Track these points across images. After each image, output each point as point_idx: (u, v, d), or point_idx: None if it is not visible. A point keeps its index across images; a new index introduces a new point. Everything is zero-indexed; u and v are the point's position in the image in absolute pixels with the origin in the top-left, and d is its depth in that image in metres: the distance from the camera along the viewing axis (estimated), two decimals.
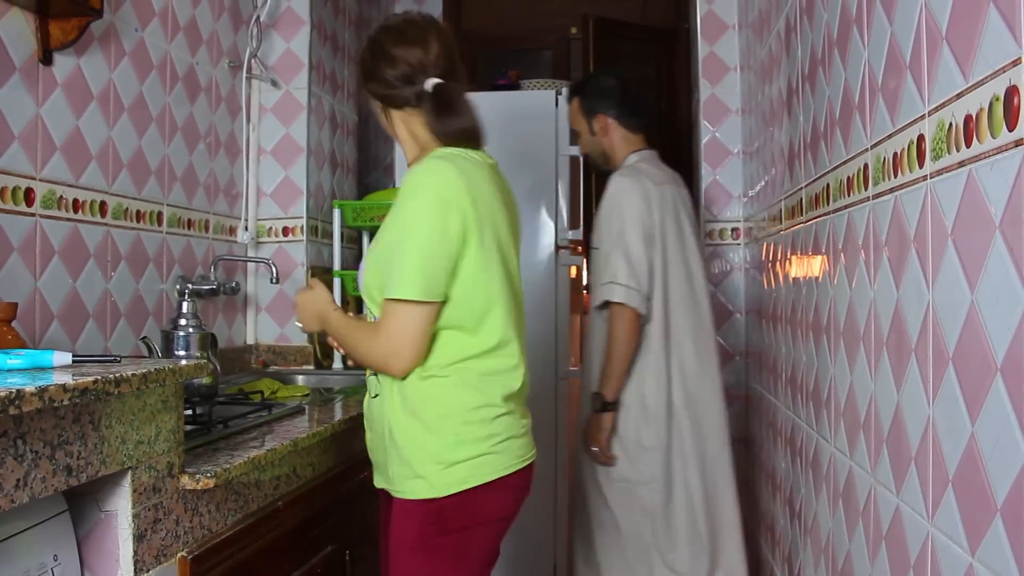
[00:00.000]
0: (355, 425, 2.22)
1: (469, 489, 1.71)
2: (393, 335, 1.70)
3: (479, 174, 1.77)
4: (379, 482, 1.87)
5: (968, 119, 1.15)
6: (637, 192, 2.63)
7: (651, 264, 2.59)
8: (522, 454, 1.80)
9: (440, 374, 1.74)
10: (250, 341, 3.22)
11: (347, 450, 2.21)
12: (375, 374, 1.83)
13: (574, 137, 2.91)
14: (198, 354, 2.25)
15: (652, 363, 2.62)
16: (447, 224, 1.68)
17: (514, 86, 4.10)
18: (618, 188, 2.67)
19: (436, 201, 1.68)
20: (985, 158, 1.10)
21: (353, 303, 3.34)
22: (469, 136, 1.82)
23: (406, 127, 1.88)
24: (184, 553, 1.53)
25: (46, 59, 2.05)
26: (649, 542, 2.61)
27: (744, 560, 2.67)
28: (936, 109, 1.27)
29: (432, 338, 1.73)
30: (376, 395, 1.83)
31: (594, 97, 2.89)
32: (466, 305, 1.73)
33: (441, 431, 1.72)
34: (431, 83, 1.80)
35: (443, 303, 1.71)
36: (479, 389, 1.75)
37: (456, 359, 1.74)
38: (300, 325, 1.96)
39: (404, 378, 1.74)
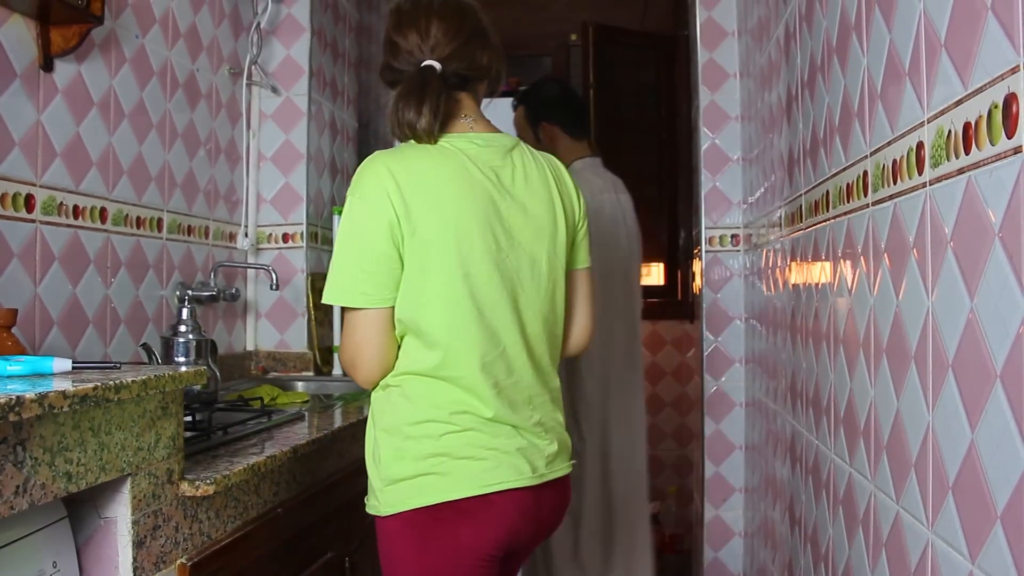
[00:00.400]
0: (355, 431, 2.22)
1: (413, 511, 1.58)
2: (345, 343, 1.66)
3: (432, 161, 1.63)
4: None
5: (967, 126, 1.15)
6: None
7: None
8: (488, 480, 1.58)
9: (392, 383, 1.65)
10: (250, 347, 3.22)
11: (347, 457, 2.21)
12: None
13: None
14: (198, 361, 2.25)
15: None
16: (368, 221, 1.58)
17: (514, 92, 4.11)
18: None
19: (358, 199, 1.61)
20: (984, 165, 1.10)
21: None
22: (413, 128, 1.64)
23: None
24: (183, 560, 1.53)
25: (47, 66, 2.06)
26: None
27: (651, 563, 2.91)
28: (935, 116, 1.27)
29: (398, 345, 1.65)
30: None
31: (539, 106, 2.96)
32: (403, 308, 1.61)
33: (387, 444, 1.62)
34: (422, 65, 1.68)
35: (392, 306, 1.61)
36: (423, 402, 1.61)
37: (408, 368, 1.63)
38: None
39: (372, 389, 1.68)
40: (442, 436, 1.59)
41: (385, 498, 1.61)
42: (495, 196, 1.65)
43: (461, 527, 1.58)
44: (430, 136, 1.64)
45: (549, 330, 1.73)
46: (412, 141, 1.68)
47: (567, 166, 2.83)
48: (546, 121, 2.99)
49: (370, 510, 1.66)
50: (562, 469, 1.72)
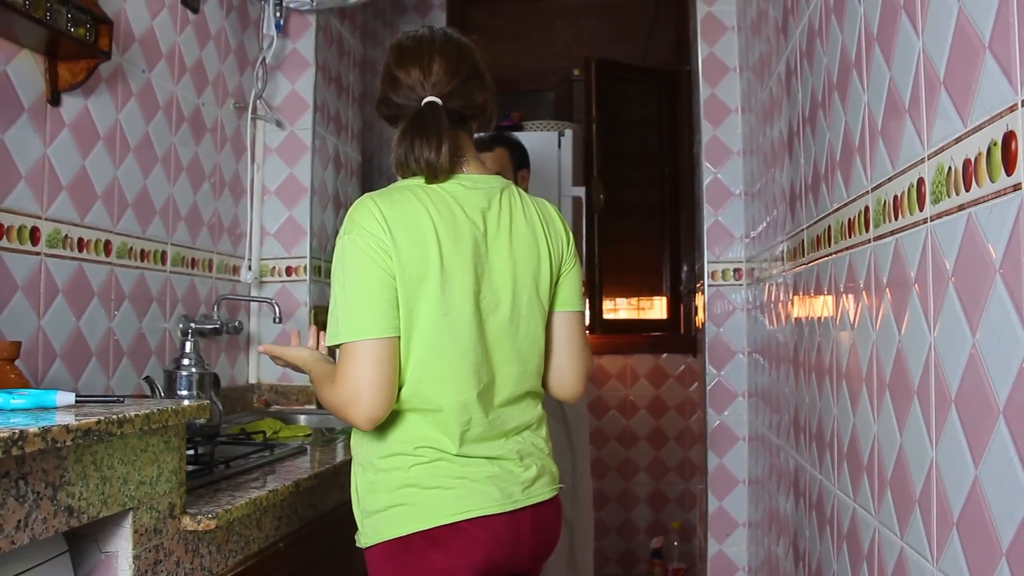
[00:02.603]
0: None
1: (388, 542, 1.59)
2: (344, 380, 1.58)
3: (420, 203, 1.62)
4: None
5: (967, 163, 1.16)
6: None
7: None
8: (457, 509, 1.59)
9: None
10: (252, 380, 3.21)
11: (349, 491, 2.20)
12: None
13: None
14: (200, 394, 2.25)
15: None
16: (364, 257, 1.57)
17: (517, 127, 4.14)
18: None
19: (351, 238, 1.59)
20: (984, 202, 1.11)
21: None
22: (427, 163, 1.64)
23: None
24: None
25: (54, 100, 2.08)
26: None
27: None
28: (935, 153, 1.28)
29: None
30: None
31: (521, 153, 3.13)
32: None
33: (363, 478, 1.65)
34: (424, 102, 1.68)
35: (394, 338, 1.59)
36: (391, 435, 1.63)
37: None
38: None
39: (370, 428, 1.60)
40: (411, 468, 1.60)
41: (364, 530, 1.64)
42: (478, 238, 1.66)
43: (432, 556, 1.58)
44: (444, 173, 1.66)
45: (529, 369, 1.74)
46: (402, 181, 1.69)
47: None
48: (525, 168, 3.15)
49: (357, 542, 1.68)
50: (543, 494, 1.71)
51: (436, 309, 1.59)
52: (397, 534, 1.57)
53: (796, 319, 2.35)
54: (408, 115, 1.68)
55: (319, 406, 3.23)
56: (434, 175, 1.66)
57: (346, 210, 3.60)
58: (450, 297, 1.60)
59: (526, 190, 3.14)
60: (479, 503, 1.60)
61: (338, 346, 1.58)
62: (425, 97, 1.69)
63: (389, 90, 1.74)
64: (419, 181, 1.67)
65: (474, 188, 1.70)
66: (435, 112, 1.66)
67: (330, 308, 1.61)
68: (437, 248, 1.60)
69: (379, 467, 1.62)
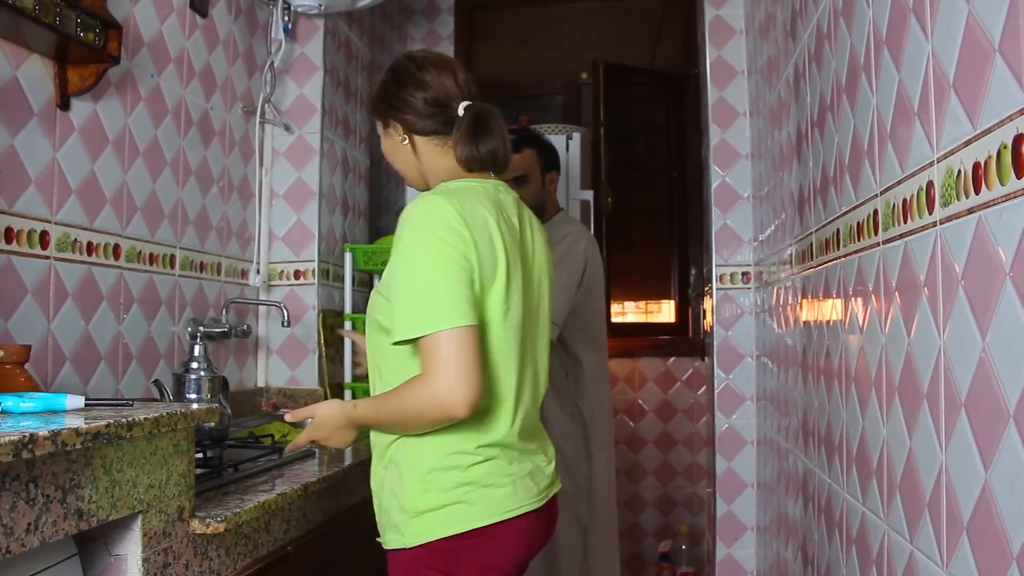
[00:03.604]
0: (366, 469, 2.21)
1: (443, 539, 1.59)
2: (442, 368, 1.52)
3: (482, 205, 1.66)
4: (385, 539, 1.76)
5: (976, 166, 1.16)
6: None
7: (573, 308, 2.93)
8: (510, 506, 1.63)
9: None
10: (261, 384, 3.22)
11: (358, 494, 2.21)
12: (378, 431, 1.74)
13: (522, 183, 2.96)
14: (209, 397, 2.25)
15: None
16: (446, 247, 1.57)
17: (525, 131, 4.14)
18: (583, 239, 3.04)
19: (433, 230, 1.58)
20: (994, 205, 1.11)
21: None
22: (495, 158, 1.75)
23: (428, 157, 1.79)
24: None
25: (64, 104, 2.08)
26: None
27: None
28: (945, 156, 1.28)
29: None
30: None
31: (551, 155, 3.11)
32: None
33: (411, 477, 1.63)
34: (463, 105, 1.75)
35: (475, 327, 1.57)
36: (453, 435, 1.62)
37: None
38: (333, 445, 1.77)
39: (468, 415, 1.54)
40: (469, 467, 1.62)
41: (411, 530, 1.62)
42: (517, 238, 1.73)
43: (487, 550, 1.62)
44: (506, 165, 1.81)
45: (547, 368, 1.85)
46: (456, 183, 1.74)
47: (553, 214, 3.09)
48: (555, 171, 3.12)
49: (391, 544, 1.66)
50: (556, 485, 1.80)
51: (501, 307, 1.64)
52: (455, 531, 1.60)
53: (805, 322, 2.34)
54: (458, 115, 1.76)
55: None
56: (502, 170, 1.80)
57: (354, 214, 3.63)
58: (511, 296, 1.66)
59: (554, 193, 3.17)
60: (525, 499, 1.66)
61: (413, 340, 1.54)
62: (465, 100, 1.77)
63: (424, 93, 1.77)
64: (472, 183, 1.73)
65: (507, 192, 1.80)
66: (494, 111, 1.78)
67: (412, 295, 1.56)
68: (503, 249, 1.65)
69: (435, 467, 1.62)
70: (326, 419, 1.71)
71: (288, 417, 1.75)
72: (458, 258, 1.57)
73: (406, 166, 1.84)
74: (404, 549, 1.63)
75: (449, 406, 1.52)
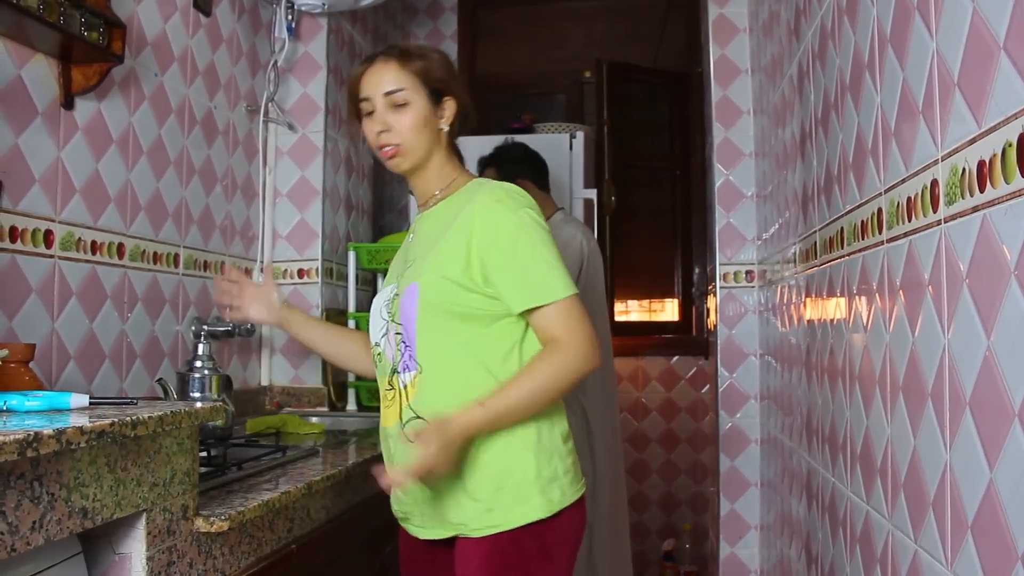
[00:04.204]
0: (369, 467, 2.22)
1: (579, 500, 1.71)
2: (585, 326, 1.65)
3: None
4: (431, 532, 1.74)
5: (981, 164, 1.15)
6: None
7: None
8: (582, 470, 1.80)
9: None
10: (264, 382, 3.22)
11: (362, 492, 2.21)
12: (420, 417, 1.66)
13: None
14: (213, 396, 2.25)
15: None
16: (546, 232, 1.70)
17: (528, 129, 4.14)
18: (579, 234, 3.09)
19: (533, 211, 1.70)
20: (999, 203, 1.10)
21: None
22: None
23: (443, 151, 1.82)
24: None
25: (68, 103, 2.08)
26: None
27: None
28: (949, 154, 1.27)
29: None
30: None
31: (510, 164, 3.12)
32: None
33: (540, 447, 1.67)
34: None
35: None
36: (563, 402, 1.75)
37: None
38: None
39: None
40: (569, 433, 1.76)
41: (552, 495, 1.66)
42: None
43: (582, 515, 1.75)
44: None
45: None
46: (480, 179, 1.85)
47: (547, 218, 3.16)
48: (520, 177, 3.11)
49: (526, 518, 1.64)
50: None
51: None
52: (574, 497, 1.70)
53: (808, 321, 2.34)
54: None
55: (334, 408, 3.24)
56: None
57: (358, 213, 3.63)
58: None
59: (542, 198, 3.22)
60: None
61: (537, 309, 1.65)
62: None
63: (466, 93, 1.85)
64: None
65: None
66: None
67: (529, 269, 1.66)
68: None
69: (562, 433, 1.72)
70: (451, 439, 1.57)
71: (393, 483, 1.63)
72: (550, 237, 1.70)
73: (421, 148, 1.77)
74: (530, 525, 1.64)
75: (592, 360, 1.64)
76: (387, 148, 1.76)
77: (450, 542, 1.71)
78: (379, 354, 1.78)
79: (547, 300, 1.63)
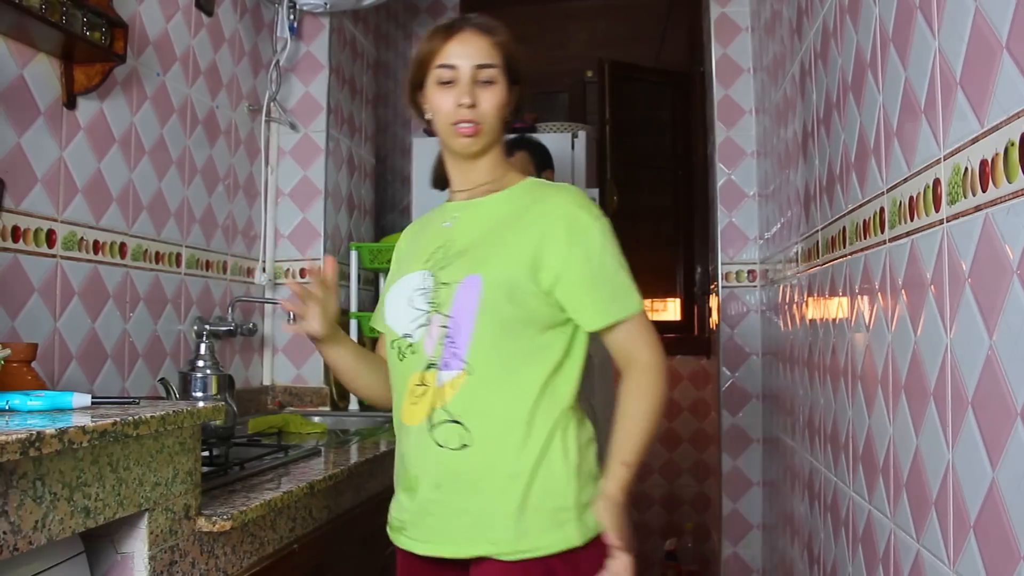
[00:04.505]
0: (372, 467, 2.22)
1: (596, 536, 1.52)
2: (658, 341, 1.58)
3: None
4: (443, 548, 1.56)
5: (984, 164, 1.15)
6: None
7: None
8: None
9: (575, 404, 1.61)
10: (266, 382, 3.22)
11: (364, 492, 2.21)
12: (456, 421, 1.52)
13: None
14: (215, 396, 2.26)
15: None
16: None
17: (530, 129, 4.13)
18: None
19: (605, 219, 1.62)
20: (1002, 202, 1.10)
21: (369, 344, 3.35)
22: None
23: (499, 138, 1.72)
24: None
25: (70, 103, 2.09)
26: None
27: None
28: (952, 153, 1.27)
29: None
30: (464, 445, 1.52)
31: (542, 155, 3.07)
32: None
33: (580, 471, 1.54)
34: None
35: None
36: (585, 423, 1.63)
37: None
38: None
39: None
40: (594, 456, 1.61)
41: (588, 522, 1.53)
42: None
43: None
44: None
45: None
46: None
47: None
48: (549, 169, 3.09)
49: (562, 545, 1.50)
50: None
51: None
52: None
53: (811, 320, 2.34)
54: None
55: (336, 407, 3.24)
56: None
57: (360, 212, 3.64)
58: None
59: None
60: None
61: (617, 324, 1.57)
62: None
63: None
64: None
65: None
66: None
67: (614, 282, 1.57)
68: None
69: (590, 455, 1.59)
70: (619, 507, 1.53)
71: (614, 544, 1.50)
72: None
73: (494, 132, 1.66)
74: (572, 550, 1.50)
75: (665, 382, 1.58)
76: (467, 125, 1.60)
77: (462, 563, 1.55)
78: (409, 346, 1.59)
79: (628, 314, 1.56)
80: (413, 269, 1.65)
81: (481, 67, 1.61)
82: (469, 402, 1.53)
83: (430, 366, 1.56)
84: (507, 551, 1.49)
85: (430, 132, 1.74)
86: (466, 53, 1.61)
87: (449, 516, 1.54)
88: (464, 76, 1.60)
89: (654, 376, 1.56)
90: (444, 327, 1.55)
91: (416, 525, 1.58)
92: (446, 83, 1.61)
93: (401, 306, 1.63)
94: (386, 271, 3.49)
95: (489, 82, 1.62)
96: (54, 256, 2.05)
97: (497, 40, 1.64)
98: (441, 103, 1.62)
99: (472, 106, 1.60)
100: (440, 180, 1.79)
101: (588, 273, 1.55)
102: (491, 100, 1.62)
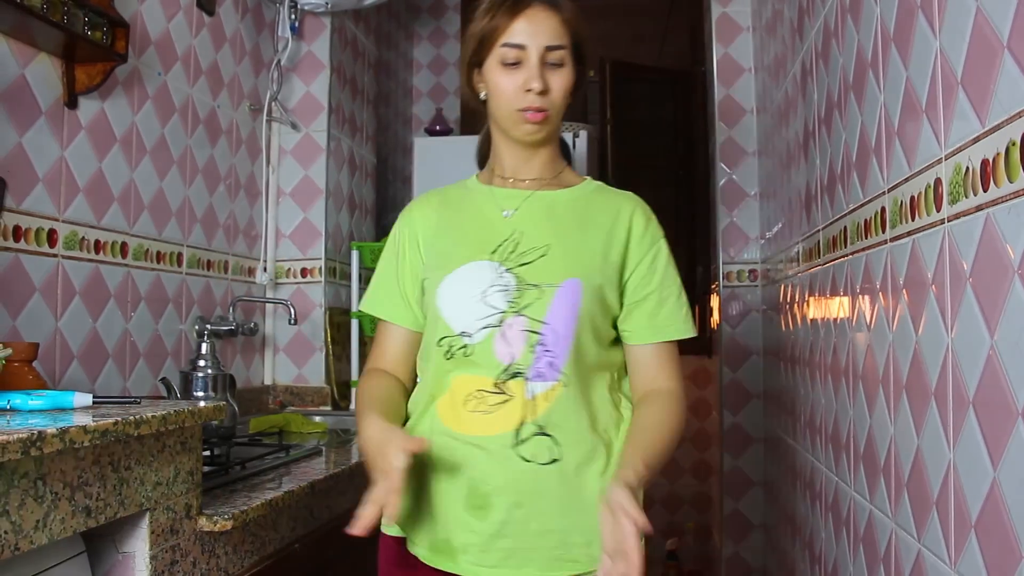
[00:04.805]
0: None
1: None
2: (681, 379, 1.52)
3: None
4: (527, 572, 1.41)
5: (985, 163, 1.15)
6: None
7: None
8: None
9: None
10: (267, 382, 3.22)
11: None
12: (547, 434, 1.40)
13: None
14: (216, 395, 2.26)
15: None
16: None
17: None
18: None
19: None
20: (1002, 202, 1.10)
21: (370, 343, 3.35)
22: None
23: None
24: None
25: (71, 103, 2.09)
26: None
27: None
28: (953, 153, 1.27)
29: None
30: (554, 460, 1.40)
31: (564, 148, 3.03)
32: None
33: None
34: None
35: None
36: None
37: None
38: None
39: None
40: None
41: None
42: None
43: None
44: None
45: None
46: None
47: None
48: (569, 163, 3.07)
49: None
50: None
51: None
52: None
53: (812, 320, 2.34)
54: None
55: (337, 407, 3.24)
56: None
57: (361, 212, 3.64)
58: None
59: None
60: None
61: (656, 343, 1.52)
62: None
63: None
64: None
65: None
66: None
67: (679, 296, 1.55)
68: None
69: None
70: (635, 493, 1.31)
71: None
72: None
73: (558, 120, 1.59)
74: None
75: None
76: (536, 113, 1.49)
77: None
78: (464, 347, 1.44)
79: (676, 337, 1.52)
80: (473, 258, 1.49)
81: (551, 48, 1.48)
82: (562, 415, 1.41)
83: (515, 375, 1.42)
84: (586, 571, 1.39)
85: (479, 112, 1.62)
86: (535, 32, 1.47)
87: (531, 537, 1.40)
88: (533, 57, 1.47)
89: (683, 406, 1.49)
90: (535, 333, 1.42)
91: (487, 549, 1.41)
92: (511, 64, 1.48)
93: (466, 300, 1.46)
94: None
95: (558, 64, 1.49)
96: (55, 256, 2.05)
97: (566, 17, 1.51)
98: (506, 85, 1.48)
99: (543, 92, 1.47)
100: (484, 159, 1.67)
101: (654, 287, 1.52)
102: (561, 85, 1.50)
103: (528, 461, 1.40)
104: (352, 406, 3.27)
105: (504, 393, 1.42)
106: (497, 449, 1.41)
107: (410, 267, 1.57)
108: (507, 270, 1.45)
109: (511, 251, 1.47)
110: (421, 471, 1.44)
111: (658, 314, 1.51)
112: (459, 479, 1.43)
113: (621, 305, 1.52)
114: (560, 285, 1.43)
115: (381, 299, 1.60)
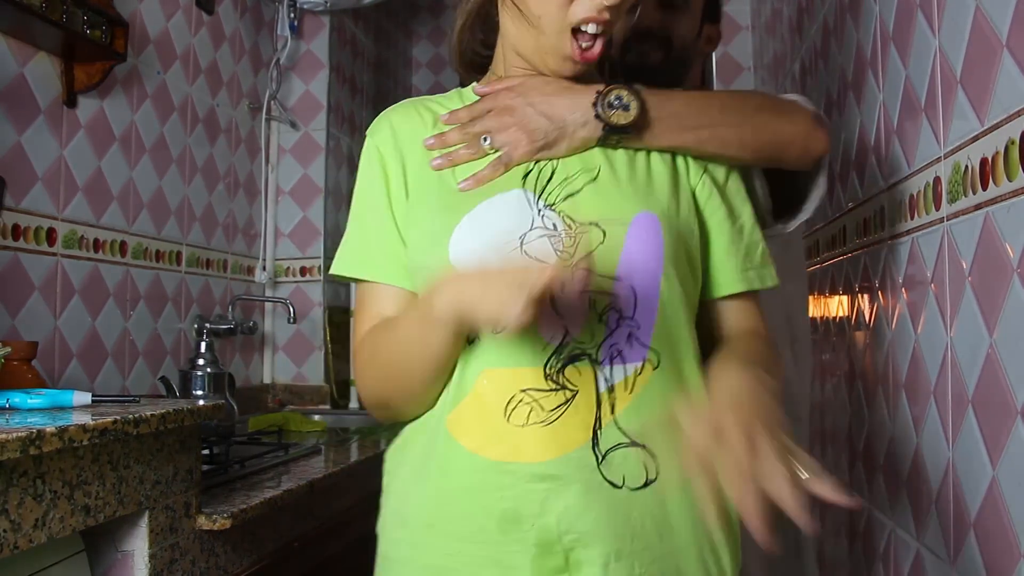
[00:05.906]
0: (372, 466, 2.21)
1: None
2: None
3: None
4: None
5: (984, 162, 1.15)
6: None
7: None
8: None
9: None
10: (267, 380, 3.22)
11: (364, 490, 2.21)
12: (637, 443, 0.99)
13: None
14: (215, 394, 2.26)
15: None
16: None
17: None
18: None
19: None
20: (1002, 201, 1.10)
21: None
22: None
23: None
24: None
25: (70, 101, 2.08)
26: None
27: None
28: (952, 152, 1.27)
29: None
30: (648, 481, 0.99)
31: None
32: None
33: None
34: None
35: None
36: None
37: None
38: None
39: None
40: None
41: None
42: None
43: None
44: None
45: None
46: None
47: None
48: None
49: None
50: None
51: None
52: None
53: (811, 319, 2.34)
54: None
55: (336, 406, 3.23)
56: None
57: None
58: None
59: None
60: None
61: (746, 293, 1.14)
62: None
63: None
64: None
65: None
66: None
67: (759, 239, 1.16)
68: None
69: None
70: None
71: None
72: None
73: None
74: None
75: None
76: (593, 39, 1.10)
77: None
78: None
79: (764, 286, 1.13)
80: (500, 189, 1.07)
81: None
82: (653, 411, 1.00)
83: (577, 357, 1.00)
84: None
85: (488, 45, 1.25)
86: None
87: (660, 561, 1.00)
88: None
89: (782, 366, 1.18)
90: (604, 294, 1.01)
91: (624, 553, 0.98)
92: None
93: (498, 254, 1.01)
94: None
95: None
96: (54, 254, 2.05)
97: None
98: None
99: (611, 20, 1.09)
100: (470, 63, 1.31)
101: (732, 228, 1.13)
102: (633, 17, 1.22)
103: (617, 487, 0.98)
104: (351, 405, 3.27)
105: (564, 387, 0.99)
106: (573, 475, 0.97)
107: (400, 205, 1.18)
108: (548, 206, 1.04)
109: (548, 178, 1.08)
110: (443, 529, 1.08)
111: (748, 259, 1.13)
112: (517, 534, 0.99)
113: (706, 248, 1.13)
114: (631, 222, 1.02)
115: (373, 255, 1.21)
